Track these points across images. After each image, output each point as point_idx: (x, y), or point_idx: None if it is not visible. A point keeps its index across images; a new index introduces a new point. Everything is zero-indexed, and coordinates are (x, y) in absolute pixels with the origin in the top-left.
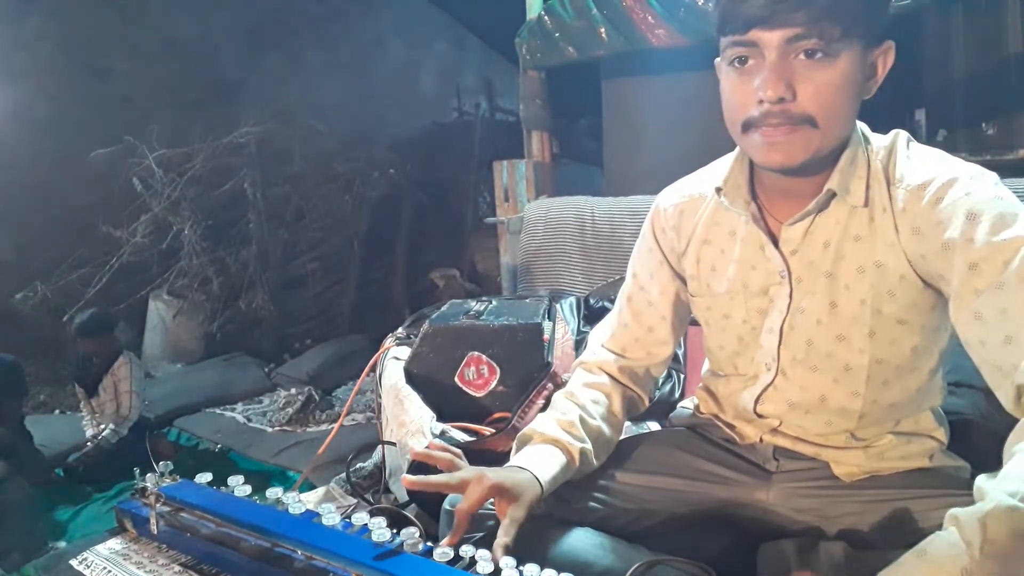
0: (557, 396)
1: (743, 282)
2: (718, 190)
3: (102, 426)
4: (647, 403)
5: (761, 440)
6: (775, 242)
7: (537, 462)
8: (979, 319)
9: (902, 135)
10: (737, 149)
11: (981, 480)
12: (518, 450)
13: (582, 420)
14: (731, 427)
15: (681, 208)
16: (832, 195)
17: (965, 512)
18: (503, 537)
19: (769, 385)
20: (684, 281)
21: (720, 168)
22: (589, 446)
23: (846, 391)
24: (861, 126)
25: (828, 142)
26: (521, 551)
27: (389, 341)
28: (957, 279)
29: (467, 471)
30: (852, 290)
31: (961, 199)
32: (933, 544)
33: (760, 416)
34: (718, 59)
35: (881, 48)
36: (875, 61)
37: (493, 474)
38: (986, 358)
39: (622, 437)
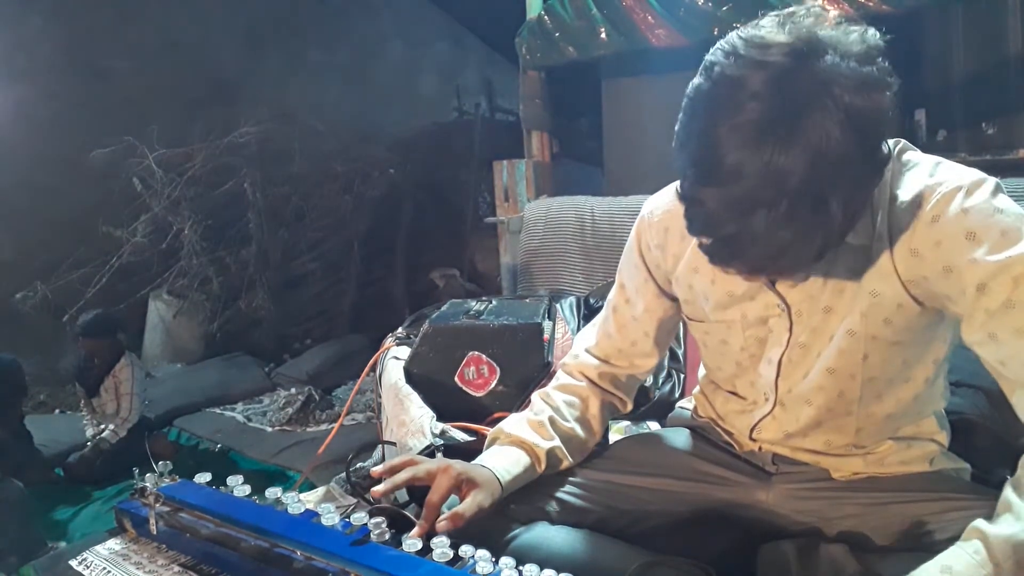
0: (534, 396)
1: (741, 313)
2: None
3: (102, 426)
4: (629, 406)
5: (760, 448)
6: (772, 281)
7: (500, 462)
8: (994, 340)
9: (897, 146)
10: None
11: (1008, 493)
12: (488, 446)
13: (552, 420)
14: (729, 434)
15: (666, 225)
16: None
17: (995, 531)
18: (460, 510)
19: (767, 415)
20: (670, 297)
21: None
22: (558, 444)
23: (840, 413)
24: None
25: None
26: (521, 552)
27: (389, 341)
28: (966, 301)
29: (432, 462)
30: (847, 322)
31: (958, 217)
32: (958, 560)
33: (756, 440)
34: None
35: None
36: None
37: (459, 465)
38: (1006, 376)
39: (622, 437)
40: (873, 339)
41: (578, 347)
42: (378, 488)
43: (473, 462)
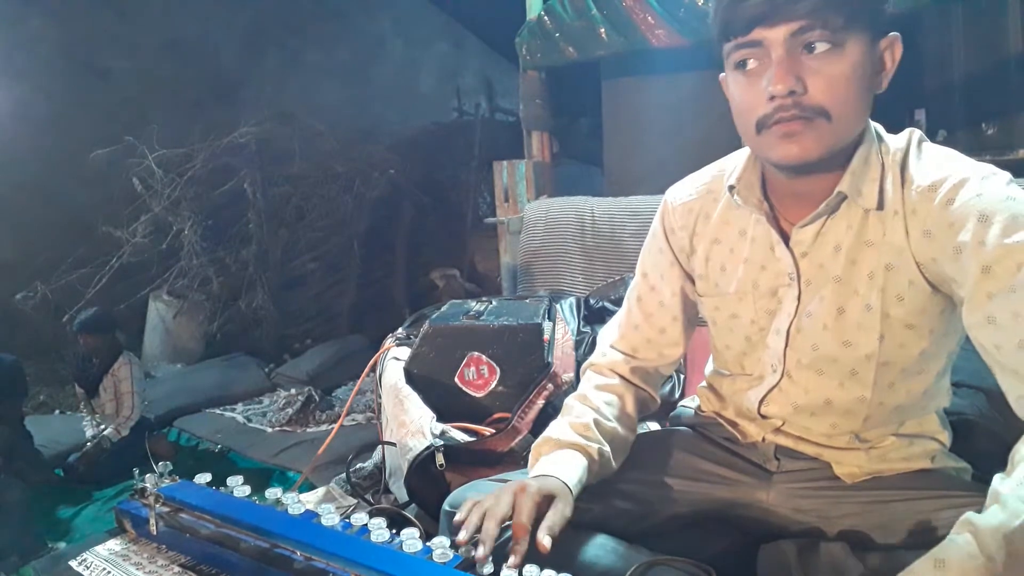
0: (570, 400)
1: (752, 282)
2: (731, 188)
3: (102, 426)
4: (659, 402)
5: (763, 439)
6: (786, 241)
7: (562, 468)
8: (992, 323)
9: (915, 134)
10: (748, 149)
11: (997, 483)
12: (535, 459)
13: (597, 423)
14: (733, 425)
15: (689, 206)
16: (843, 197)
17: (985, 521)
18: (551, 524)
19: (775, 387)
20: (693, 281)
21: (732, 166)
22: (606, 447)
23: (852, 394)
24: (875, 126)
25: (842, 136)
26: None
27: (389, 341)
28: (970, 282)
29: (505, 490)
30: (861, 295)
31: (973, 200)
32: (950, 553)
33: (764, 417)
34: (723, 75)
35: (887, 40)
36: (882, 54)
37: (532, 481)
38: (1000, 362)
39: None
40: (887, 317)
41: (603, 344)
42: (480, 553)
43: (534, 474)
